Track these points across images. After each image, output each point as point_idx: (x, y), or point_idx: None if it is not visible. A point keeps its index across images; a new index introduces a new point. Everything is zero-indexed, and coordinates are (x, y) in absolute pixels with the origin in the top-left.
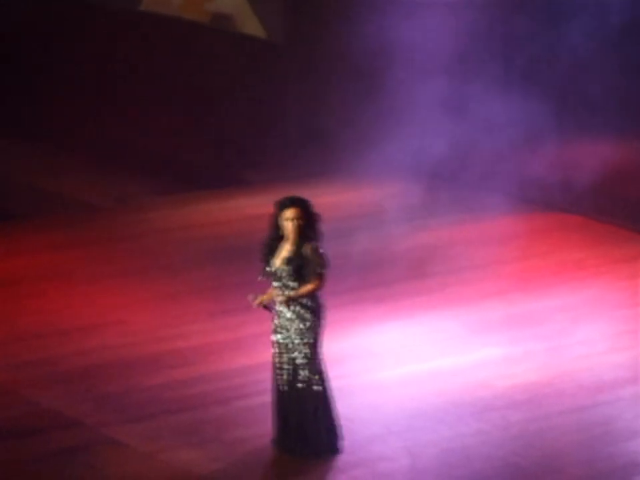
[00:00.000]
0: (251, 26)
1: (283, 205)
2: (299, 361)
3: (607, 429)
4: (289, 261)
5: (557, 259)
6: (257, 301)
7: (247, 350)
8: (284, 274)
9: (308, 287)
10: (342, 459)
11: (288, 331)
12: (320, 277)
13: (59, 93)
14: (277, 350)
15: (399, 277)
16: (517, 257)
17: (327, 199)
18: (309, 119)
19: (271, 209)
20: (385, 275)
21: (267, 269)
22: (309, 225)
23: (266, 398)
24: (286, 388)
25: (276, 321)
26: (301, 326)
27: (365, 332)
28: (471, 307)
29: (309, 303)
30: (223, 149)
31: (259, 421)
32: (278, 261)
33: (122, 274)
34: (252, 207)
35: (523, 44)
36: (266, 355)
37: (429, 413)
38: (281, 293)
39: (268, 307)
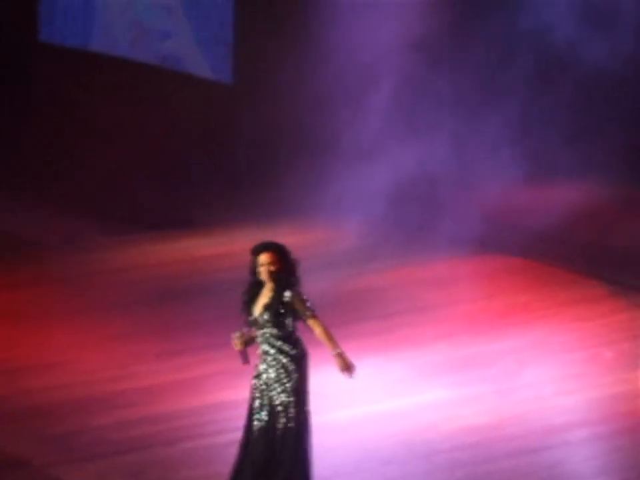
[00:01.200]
0: (200, 67)
1: (256, 250)
2: (278, 408)
3: (554, 472)
4: (267, 307)
5: (503, 302)
6: (239, 344)
7: (194, 391)
8: (264, 321)
9: (324, 335)
10: None
11: (269, 377)
12: (316, 318)
13: (5, 132)
14: (256, 394)
15: (346, 319)
16: (463, 299)
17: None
18: (258, 160)
19: (219, 249)
20: (332, 317)
21: (249, 317)
22: (286, 270)
23: (212, 439)
24: (261, 432)
25: (260, 366)
26: (282, 373)
27: (313, 373)
28: (418, 349)
29: (292, 351)
30: (171, 190)
31: (205, 462)
32: (257, 309)
33: (70, 314)
34: (200, 248)
35: (472, 81)
36: (212, 397)
37: (378, 455)
38: (262, 340)
39: (244, 354)
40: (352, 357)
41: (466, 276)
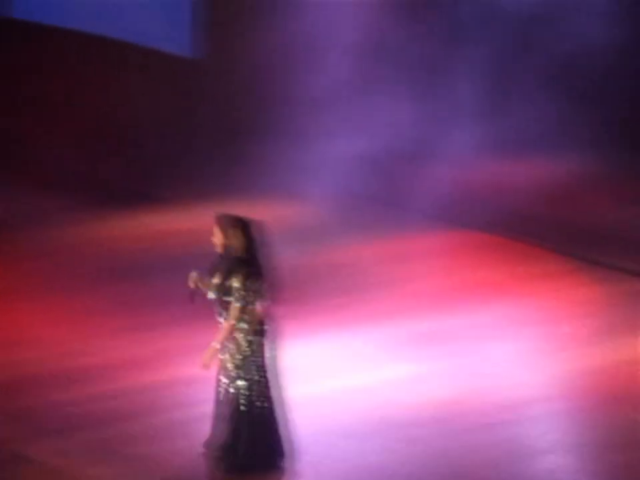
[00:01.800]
0: (163, 40)
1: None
2: (238, 382)
3: (511, 447)
4: (215, 287)
5: (464, 277)
6: (192, 283)
7: (155, 366)
8: (214, 299)
9: (225, 327)
10: (247, 476)
11: (227, 350)
12: (233, 310)
13: None
14: (220, 368)
15: (307, 294)
16: (424, 274)
17: None
18: (222, 135)
19: (180, 225)
20: (293, 293)
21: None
22: (245, 247)
23: (171, 415)
24: (222, 405)
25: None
26: (232, 348)
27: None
28: (378, 325)
29: (245, 326)
30: (133, 165)
31: (164, 437)
32: (213, 284)
33: (33, 290)
34: (162, 223)
35: (445, 49)
36: (174, 372)
37: (336, 430)
38: (217, 313)
39: (192, 294)
40: (313, 332)
41: (429, 251)
